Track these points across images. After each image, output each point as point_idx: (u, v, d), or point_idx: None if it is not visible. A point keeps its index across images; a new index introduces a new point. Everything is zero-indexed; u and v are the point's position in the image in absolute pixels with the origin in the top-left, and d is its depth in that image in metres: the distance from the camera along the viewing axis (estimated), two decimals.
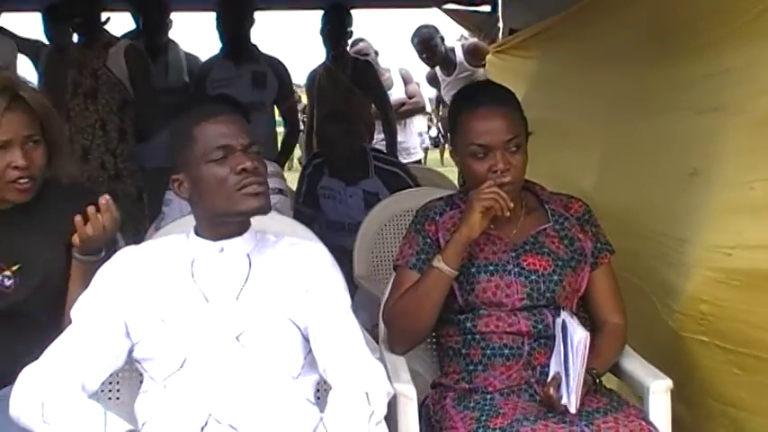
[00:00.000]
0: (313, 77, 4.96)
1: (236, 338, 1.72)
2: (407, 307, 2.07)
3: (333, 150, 3.74)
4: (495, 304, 2.05)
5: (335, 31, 4.75)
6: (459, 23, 5.05)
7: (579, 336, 1.83)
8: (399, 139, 5.71)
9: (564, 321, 1.88)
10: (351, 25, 4.82)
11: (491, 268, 2.07)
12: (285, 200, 3.09)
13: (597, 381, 2.00)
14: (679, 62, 2.62)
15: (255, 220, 1.89)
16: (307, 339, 1.79)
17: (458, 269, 2.02)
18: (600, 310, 2.17)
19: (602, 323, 2.17)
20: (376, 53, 5.88)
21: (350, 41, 4.92)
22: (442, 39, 5.30)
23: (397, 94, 5.79)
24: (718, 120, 2.34)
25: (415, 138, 6.03)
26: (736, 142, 2.23)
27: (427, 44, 5.23)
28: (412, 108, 5.85)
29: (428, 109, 8.24)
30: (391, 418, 1.83)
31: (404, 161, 5.64)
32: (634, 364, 2.12)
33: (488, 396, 2.00)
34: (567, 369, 1.86)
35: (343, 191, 3.75)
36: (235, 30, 4.31)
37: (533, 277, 2.06)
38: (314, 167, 3.86)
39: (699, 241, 2.25)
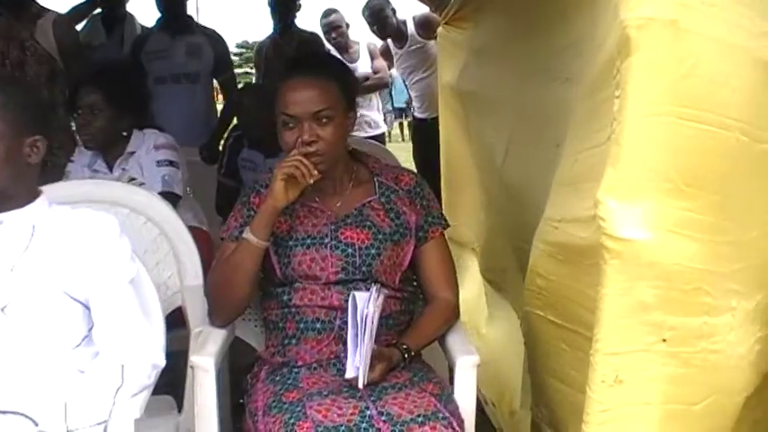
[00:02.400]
0: (260, 50, 4.94)
1: (2, 310, 1.71)
2: (221, 278, 2.06)
3: (248, 122, 3.72)
4: (310, 277, 2.03)
5: (283, 3, 4.72)
6: None
7: (365, 312, 1.80)
8: (363, 112, 5.67)
9: (354, 296, 1.85)
10: None
11: (308, 241, 2.05)
12: (176, 171, 3.07)
13: (406, 356, 1.97)
14: (551, 31, 2.57)
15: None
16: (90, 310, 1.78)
17: (267, 240, 2.00)
18: (429, 284, 2.15)
19: (432, 298, 2.14)
20: (347, 26, 5.83)
21: (297, 14, 4.88)
22: (394, 11, 5.23)
23: (362, 68, 5.73)
24: (569, 90, 2.29)
25: (378, 112, 5.97)
26: (575, 114, 2.18)
27: (377, 16, 5.16)
28: (376, 83, 5.77)
29: None
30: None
31: (367, 134, 5.63)
32: (453, 340, 2.09)
33: (295, 370, 1.99)
34: (356, 344, 1.83)
35: (263, 162, 3.73)
36: (170, 1, 4.30)
37: (350, 251, 2.03)
38: (234, 139, 3.84)
39: (542, 214, 2.22)
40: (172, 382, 2.18)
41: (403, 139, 12.29)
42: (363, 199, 2.12)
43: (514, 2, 3.19)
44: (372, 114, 5.79)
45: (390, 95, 11.62)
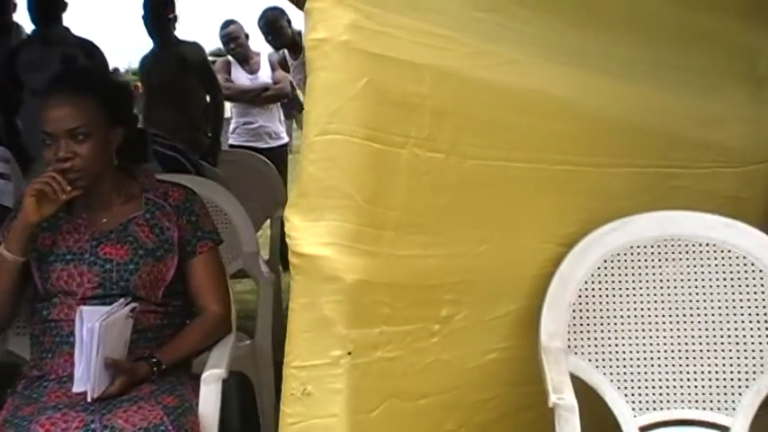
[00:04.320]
0: (143, 63, 4.95)
1: None
2: None
3: None
4: (68, 293, 2.05)
5: (156, 17, 4.73)
6: (296, 5, 4.97)
7: (87, 326, 1.83)
8: (263, 123, 5.70)
9: (81, 311, 1.88)
10: (174, 11, 4.79)
11: (68, 257, 2.07)
12: (5, 183, 3.07)
13: (155, 369, 2.00)
14: None
15: None
16: None
17: (22, 255, 2.02)
18: (198, 298, 2.18)
19: (201, 311, 2.18)
20: (247, 36, 5.84)
21: (176, 25, 4.88)
22: (289, 21, 5.25)
23: (263, 78, 5.74)
24: None
25: (280, 123, 5.98)
26: None
27: (272, 26, 5.19)
28: (276, 93, 5.78)
29: None
30: None
31: (269, 145, 5.65)
32: (213, 353, 2.11)
33: (45, 383, 2.00)
34: (81, 359, 1.85)
35: None
36: (44, 10, 4.31)
37: (108, 266, 2.06)
38: None
39: None
40: None
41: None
42: (129, 215, 2.14)
43: None
44: (273, 125, 5.79)
45: None
